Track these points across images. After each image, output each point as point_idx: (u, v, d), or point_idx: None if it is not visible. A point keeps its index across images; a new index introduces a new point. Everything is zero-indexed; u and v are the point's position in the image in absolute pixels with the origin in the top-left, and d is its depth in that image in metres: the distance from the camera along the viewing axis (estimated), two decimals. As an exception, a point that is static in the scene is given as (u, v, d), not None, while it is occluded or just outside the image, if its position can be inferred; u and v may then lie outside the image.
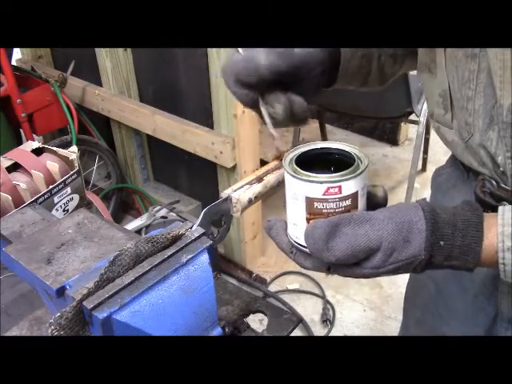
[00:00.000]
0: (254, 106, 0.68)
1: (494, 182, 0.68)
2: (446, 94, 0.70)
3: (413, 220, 0.55)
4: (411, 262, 0.55)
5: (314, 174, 0.57)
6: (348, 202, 0.57)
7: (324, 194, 0.56)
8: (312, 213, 0.57)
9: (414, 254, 0.55)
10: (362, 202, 0.58)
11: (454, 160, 0.83)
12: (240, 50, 0.65)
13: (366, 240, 0.54)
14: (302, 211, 0.58)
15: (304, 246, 0.59)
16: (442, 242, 0.55)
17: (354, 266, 0.57)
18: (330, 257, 0.55)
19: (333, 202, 0.56)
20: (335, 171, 0.57)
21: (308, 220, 0.58)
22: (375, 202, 0.60)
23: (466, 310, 0.82)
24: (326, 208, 0.57)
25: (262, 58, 0.63)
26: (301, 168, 0.58)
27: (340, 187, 0.56)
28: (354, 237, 0.54)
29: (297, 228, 0.60)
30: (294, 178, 0.57)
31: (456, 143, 0.73)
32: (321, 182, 0.56)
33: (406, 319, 1.02)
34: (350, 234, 0.54)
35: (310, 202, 0.57)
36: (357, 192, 0.57)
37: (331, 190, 0.56)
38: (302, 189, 0.57)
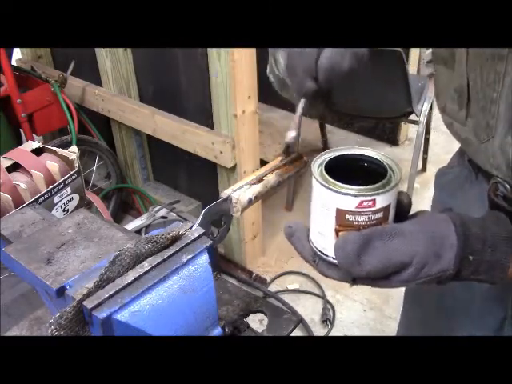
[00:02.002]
0: (307, 96, 0.66)
1: (508, 186, 0.67)
2: (463, 90, 0.69)
3: (444, 234, 0.54)
4: (440, 276, 0.55)
5: (347, 186, 0.54)
6: (380, 215, 0.55)
7: (357, 207, 0.54)
8: (342, 225, 0.55)
9: (444, 269, 0.54)
10: (392, 214, 0.56)
11: (460, 159, 0.82)
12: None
13: (398, 255, 0.53)
14: (332, 222, 0.56)
15: (329, 256, 0.57)
16: (471, 257, 0.54)
17: (382, 278, 0.55)
18: (360, 272, 0.54)
19: (365, 214, 0.54)
20: (366, 180, 0.55)
21: (337, 231, 0.56)
22: (400, 209, 0.59)
23: (475, 313, 0.81)
24: (358, 220, 0.55)
25: (345, 63, 0.60)
26: (330, 175, 0.56)
27: (374, 201, 0.54)
28: (386, 251, 0.53)
29: (323, 238, 0.58)
30: (325, 188, 0.55)
31: (469, 141, 0.72)
32: (355, 195, 0.53)
33: (407, 319, 1.01)
34: (382, 249, 0.53)
35: (341, 213, 0.55)
36: (389, 205, 0.55)
37: (365, 203, 0.54)
38: (333, 200, 0.55)
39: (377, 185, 0.54)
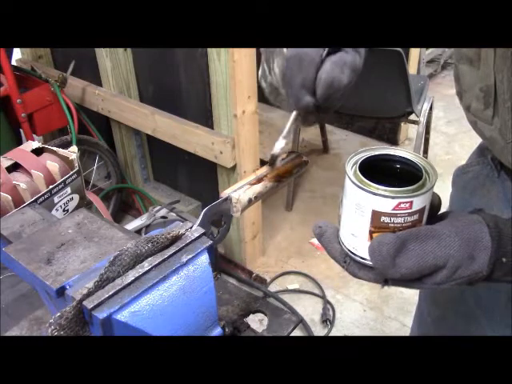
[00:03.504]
0: (307, 112, 0.63)
1: None
2: (489, 89, 0.69)
3: (478, 236, 0.54)
4: (472, 278, 0.55)
5: (383, 187, 0.53)
6: (415, 217, 0.54)
7: (394, 209, 0.53)
8: (377, 226, 0.55)
9: (477, 271, 0.54)
10: (426, 215, 0.56)
11: (479, 158, 0.82)
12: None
13: (432, 257, 0.53)
14: (366, 224, 0.55)
15: (362, 258, 0.57)
16: (504, 259, 0.54)
17: (415, 280, 0.55)
18: (395, 273, 0.53)
19: (401, 216, 0.54)
20: (400, 182, 0.54)
21: (371, 233, 0.55)
22: (431, 209, 0.58)
23: (497, 311, 0.81)
24: (393, 222, 0.54)
25: (345, 78, 0.59)
26: (363, 175, 0.55)
27: (411, 202, 0.53)
28: (421, 254, 0.53)
29: (356, 239, 0.57)
30: (360, 189, 0.54)
31: (495, 140, 0.71)
32: (392, 197, 0.52)
33: (422, 316, 1.00)
34: (417, 251, 0.53)
35: (376, 215, 0.54)
36: (425, 206, 0.54)
37: (402, 205, 0.53)
38: (369, 201, 0.54)
39: (414, 186, 0.53)
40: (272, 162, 0.72)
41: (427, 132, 2.75)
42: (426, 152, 2.89)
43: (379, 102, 2.42)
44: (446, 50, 3.92)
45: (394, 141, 3.25)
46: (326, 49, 0.58)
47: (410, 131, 3.26)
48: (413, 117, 2.47)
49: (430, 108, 2.53)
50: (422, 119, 2.44)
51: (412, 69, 2.90)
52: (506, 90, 0.66)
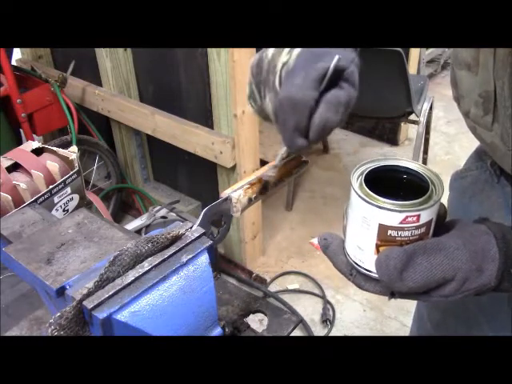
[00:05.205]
0: (301, 151, 0.62)
1: None
2: (488, 95, 0.68)
3: (486, 248, 0.54)
4: (480, 290, 0.54)
5: (390, 201, 0.52)
6: (423, 230, 0.54)
7: (401, 223, 0.52)
8: (384, 240, 0.54)
9: (485, 283, 0.54)
10: (433, 227, 0.55)
11: (477, 162, 0.82)
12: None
13: (440, 271, 0.53)
14: (373, 237, 0.54)
15: (368, 270, 0.56)
16: (511, 270, 0.54)
17: (422, 293, 0.55)
18: (402, 287, 0.53)
19: (408, 230, 0.53)
20: (407, 193, 0.54)
21: (378, 246, 0.55)
22: (438, 220, 0.58)
23: (499, 317, 0.81)
24: (401, 236, 0.53)
25: (339, 118, 0.57)
26: (369, 187, 0.54)
27: (419, 216, 0.52)
28: (429, 267, 0.53)
29: (362, 252, 0.56)
30: (367, 202, 0.53)
31: (496, 146, 0.71)
32: (399, 211, 0.52)
33: (422, 320, 0.99)
34: (425, 265, 0.53)
35: (383, 229, 0.53)
36: (432, 219, 0.54)
37: (409, 219, 0.52)
38: (375, 215, 0.53)
39: (420, 199, 0.53)
40: (265, 189, 0.71)
41: (427, 132, 2.74)
42: (426, 152, 2.89)
43: (379, 102, 2.42)
44: (446, 49, 3.92)
45: (394, 141, 3.25)
46: (321, 88, 0.57)
47: (410, 131, 3.26)
48: (413, 117, 2.47)
49: (430, 108, 2.53)
50: (422, 119, 2.44)
51: (412, 69, 2.90)
52: (506, 96, 0.65)
